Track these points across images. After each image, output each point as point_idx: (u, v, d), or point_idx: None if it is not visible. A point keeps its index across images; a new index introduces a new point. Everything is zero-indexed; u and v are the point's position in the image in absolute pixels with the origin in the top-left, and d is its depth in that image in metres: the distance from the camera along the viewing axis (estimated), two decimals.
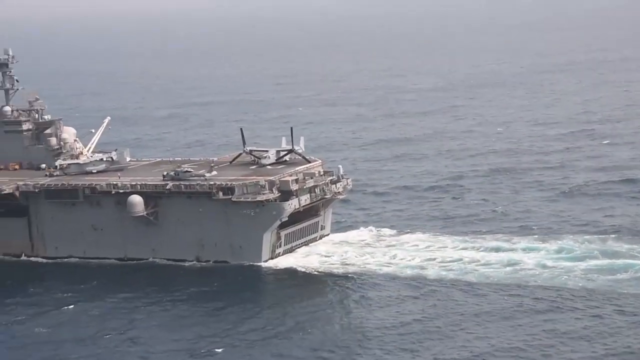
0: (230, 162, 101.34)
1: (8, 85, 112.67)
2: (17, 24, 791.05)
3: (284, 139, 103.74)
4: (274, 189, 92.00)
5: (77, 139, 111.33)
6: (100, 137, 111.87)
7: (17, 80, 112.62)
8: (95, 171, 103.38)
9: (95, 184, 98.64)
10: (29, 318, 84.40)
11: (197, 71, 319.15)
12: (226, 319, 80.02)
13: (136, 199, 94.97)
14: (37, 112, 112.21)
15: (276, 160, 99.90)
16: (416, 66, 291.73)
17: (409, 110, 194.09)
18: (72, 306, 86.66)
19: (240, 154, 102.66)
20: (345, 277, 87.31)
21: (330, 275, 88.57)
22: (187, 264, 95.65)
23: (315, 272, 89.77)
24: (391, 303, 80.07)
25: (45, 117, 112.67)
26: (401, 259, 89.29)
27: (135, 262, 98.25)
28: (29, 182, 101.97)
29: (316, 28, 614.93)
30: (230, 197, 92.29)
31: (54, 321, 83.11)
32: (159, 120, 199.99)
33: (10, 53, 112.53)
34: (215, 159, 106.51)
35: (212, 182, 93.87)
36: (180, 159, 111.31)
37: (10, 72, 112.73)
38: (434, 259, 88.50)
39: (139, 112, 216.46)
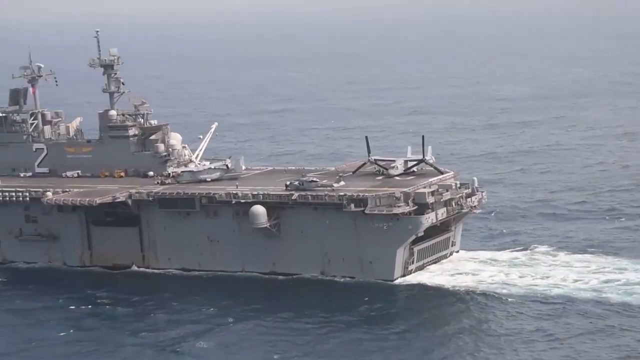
0: (353, 172, 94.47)
1: (113, 88, 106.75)
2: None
3: (409, 148, 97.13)
4: (409, 202, 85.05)
5: (186, 145, 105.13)
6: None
7: (122, 83, 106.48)
8: (209, 180, 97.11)
9: (214, 193, 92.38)
10: (192, 334, 78.54)
11: (260, 76, 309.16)
12: (372, 341, 73.22)
13: (259, 209, 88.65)
14: (143, 116, 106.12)
15: (404, 170, 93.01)
16: (499, 72, 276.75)
17: (511, 119, 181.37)
18: (232, 323, 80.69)
19: (364, 164, 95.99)
20: (497, 298, 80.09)
21: (474, 295, 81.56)
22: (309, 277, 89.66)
23: (456, 291, 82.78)
24: (570, 333, 71.78)
25: (152, 122, 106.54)
26: (563, 280, 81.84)
27: (253, 275, 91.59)
28: (142, 190, 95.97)
29: (371, 30, 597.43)
30: (362, 209, 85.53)
31: (221, 339, 77.25)
32: (243, 127, 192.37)
33: (116, 53, 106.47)
34: (333, 168, 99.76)
35: (342, 193, 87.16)
36: (294, 168, 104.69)
37: (116, 74, 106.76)
38: (609, 281, 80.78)
39: (219, 120, 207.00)
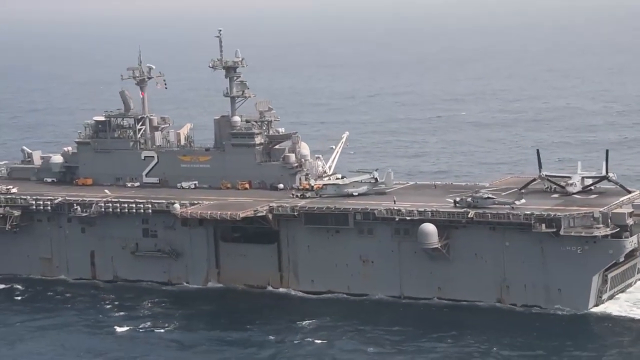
0: (520, 189, 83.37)
1: (236, 92, 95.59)
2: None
3: (579, 163, 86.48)
4: (608, 223, 74.24)
5: (320, 156, 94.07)
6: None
7: (247, 87, 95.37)
8: (356, 194, 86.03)
9: (371, 209, 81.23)
10: None
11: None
12: None
13: (430, 228, 77.88)
14: (267, 124, 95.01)
15: (582, 188, 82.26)
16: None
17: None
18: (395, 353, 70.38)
19: (533, 180, 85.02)
20: None
21: None
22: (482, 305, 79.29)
23: None
24: None
25: (279, 129, 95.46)
26: None
27: (413, 301, 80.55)
28: (285, 204, 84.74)
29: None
30: (554, 230, 74.64)
31: None
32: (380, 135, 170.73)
33: (240, 55, 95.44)
34: (487, 184, 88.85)
35: (527, 212, 76.19)
36: (440, 183, 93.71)
37: (239, 77, 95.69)
38: None
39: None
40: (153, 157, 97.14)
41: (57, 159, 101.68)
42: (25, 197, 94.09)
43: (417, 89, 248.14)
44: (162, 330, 77.83)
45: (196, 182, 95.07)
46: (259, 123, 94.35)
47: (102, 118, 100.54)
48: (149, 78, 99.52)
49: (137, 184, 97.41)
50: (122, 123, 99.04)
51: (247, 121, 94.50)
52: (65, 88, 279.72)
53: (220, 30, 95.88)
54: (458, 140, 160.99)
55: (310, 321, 77.61)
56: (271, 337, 74.83)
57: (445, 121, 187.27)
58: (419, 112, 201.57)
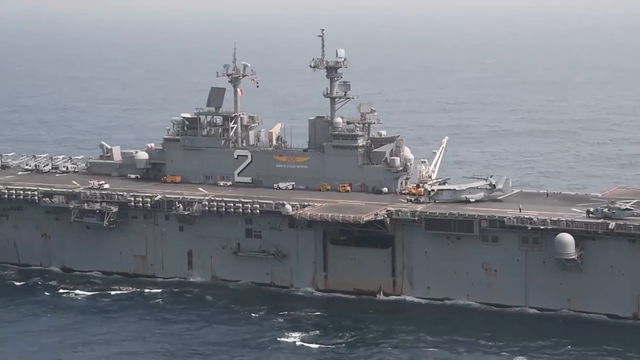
0: None
1: (338, 93, 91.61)
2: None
3: None
4: None
5: (426, 160, 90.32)
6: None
7: (349, 88, 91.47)
8: (473, 200, 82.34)
9: (499, 217, 77.61)
10: None
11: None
12: None
13: (568, 238, 74.44)
14: (367, 126, 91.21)
15: None
16: None
17: None
18: None
19: None
20: None
21: None
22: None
23: None
24: None
25: (381, 132, 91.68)
26: None
27: (538, 312, 77.04)
28: (404, 209, 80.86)
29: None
30: None
31: None
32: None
33: (343, 55, 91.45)
34: (600, 194, 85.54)
35: None
36: (559, 192, 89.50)
37: (341, 77, 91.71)
38: None
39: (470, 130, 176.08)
40: (246, 156, 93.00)
41: (142, 155, 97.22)
42: (121, 193, 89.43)
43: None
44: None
45: (293, 183, 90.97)
46: (360, 125, 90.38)
47: (188, 115, 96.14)
48: (244, 76, 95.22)
49: (229, 182, 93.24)
50: (215, 121, 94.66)
51: (348, 123, 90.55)
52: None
53: (323, 29, 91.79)
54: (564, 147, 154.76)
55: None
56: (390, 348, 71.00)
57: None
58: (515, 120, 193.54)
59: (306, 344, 71.85)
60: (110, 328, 75.97)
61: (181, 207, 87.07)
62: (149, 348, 71.62)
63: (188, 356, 69.99)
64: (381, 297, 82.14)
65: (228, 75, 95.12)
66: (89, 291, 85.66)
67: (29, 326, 76.67)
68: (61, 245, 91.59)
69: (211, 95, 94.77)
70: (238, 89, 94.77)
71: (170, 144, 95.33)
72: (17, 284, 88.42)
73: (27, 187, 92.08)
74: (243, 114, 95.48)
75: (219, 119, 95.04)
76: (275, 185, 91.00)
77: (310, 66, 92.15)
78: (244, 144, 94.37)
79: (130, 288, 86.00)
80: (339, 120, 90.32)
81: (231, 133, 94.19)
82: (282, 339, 73.10)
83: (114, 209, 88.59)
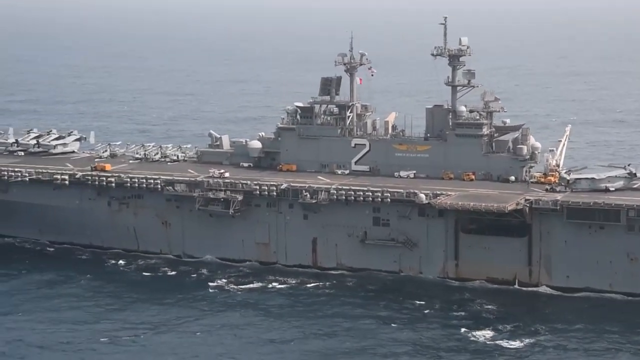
0: None
1: (461, 81, 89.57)
2: None
3: None
4: None
5: (554, 149, 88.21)
6: None
7: (474, 76, 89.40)
8: (612, 189, 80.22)
9: None
10: None
11: None
12: None
13: None
14: (490, 114, 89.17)
15: None
16: None
17: None
18: None
19: None
20: None
21: None
22: None
23: None
24: None
25: (505, 120, 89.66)
26: None
27: None
28: (545, 198, 78.81)
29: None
30: None
31: None
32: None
33: (466, 43, 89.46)
34: None
35: None
36: None
37: (464, 65, 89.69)
38: None
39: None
40: (364, 145, 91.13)
41: (256, 144, 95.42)
42: (245, 181, 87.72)
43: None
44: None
45: (414, 171, 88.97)
46: (484, 113, 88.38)
47: (300, 104, 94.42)
48: (361, 64, 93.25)
49: (347, 171, 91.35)
50: (332, 110, 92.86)
51: (471, 111, 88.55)
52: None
53: (446, 17, 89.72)
54: None
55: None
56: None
57: None
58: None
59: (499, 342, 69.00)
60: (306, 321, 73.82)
61: (308, 195, 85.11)
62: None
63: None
64: (516, 286, 79.77)
65: (344, 65, 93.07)
66: (244, 284, 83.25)
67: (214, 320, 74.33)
68: (182, 233, 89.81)
69: (323, 84, 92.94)
70: (357, 78, 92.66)
71: (285, 133, 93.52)
72: (170, 273, 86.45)
73: (148, 176, 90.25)
74: (357, 103, 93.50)
75: (334, 108, 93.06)
76: (395, 173, 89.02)
77: (432, 54, 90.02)
78: (361, 133, 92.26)
79: (290, 281, 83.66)
80: (463, 108, 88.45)
81: (347, 122, 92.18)
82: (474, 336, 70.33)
83: (239, 197, 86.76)
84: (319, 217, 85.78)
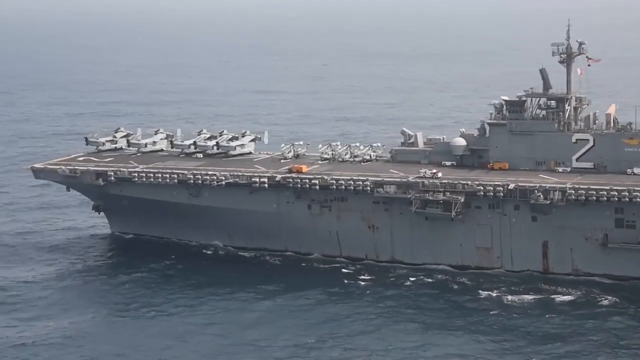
0: None
1: None
2: None
3: None
4: None
5: None
6: None
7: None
8: None
9: None
10: None
11: None
12: None
13: None
14: None
15: None
16: None
17: None
18: None
19: None
20: None
21: None
22: None
23: None
24: None
25: None
26: None
27: None
28: None
29: None
30: None
31: None
32: None
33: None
34: None
35: None
36: None
37: None
38: None
39: None
40: (587, 140, 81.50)
41: (460, 141, 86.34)
42: (466, 182, 78.61)
43: None
44: None
45: None
46: None
47: (506, 97, 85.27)
48: (579, 54, 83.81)
49: (568, 169, 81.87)
50: (549, 103, 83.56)
51: None
52: None
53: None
54: None
55: None
56: None
57: None
58: None
59: None
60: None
61: (541, 195, 75.68)
62: None
63: None
64: None
65: (560, 55, 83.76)
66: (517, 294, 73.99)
67: None
68: (390, 237, 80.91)
69: (545, 76, 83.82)
70: (577, 69, 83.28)
71: (495, 129, 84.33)
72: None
73: (354, 178, 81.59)
74: (574, 95, 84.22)
75: (551, 101, 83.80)
76: (629, 170, 79.55)
77: None
78: (582, 127, 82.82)
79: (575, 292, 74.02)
80: None
81: (566, 115, 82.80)
82: None
83: (461, 198, 77.65)
84: (550, 219, 76.51)
